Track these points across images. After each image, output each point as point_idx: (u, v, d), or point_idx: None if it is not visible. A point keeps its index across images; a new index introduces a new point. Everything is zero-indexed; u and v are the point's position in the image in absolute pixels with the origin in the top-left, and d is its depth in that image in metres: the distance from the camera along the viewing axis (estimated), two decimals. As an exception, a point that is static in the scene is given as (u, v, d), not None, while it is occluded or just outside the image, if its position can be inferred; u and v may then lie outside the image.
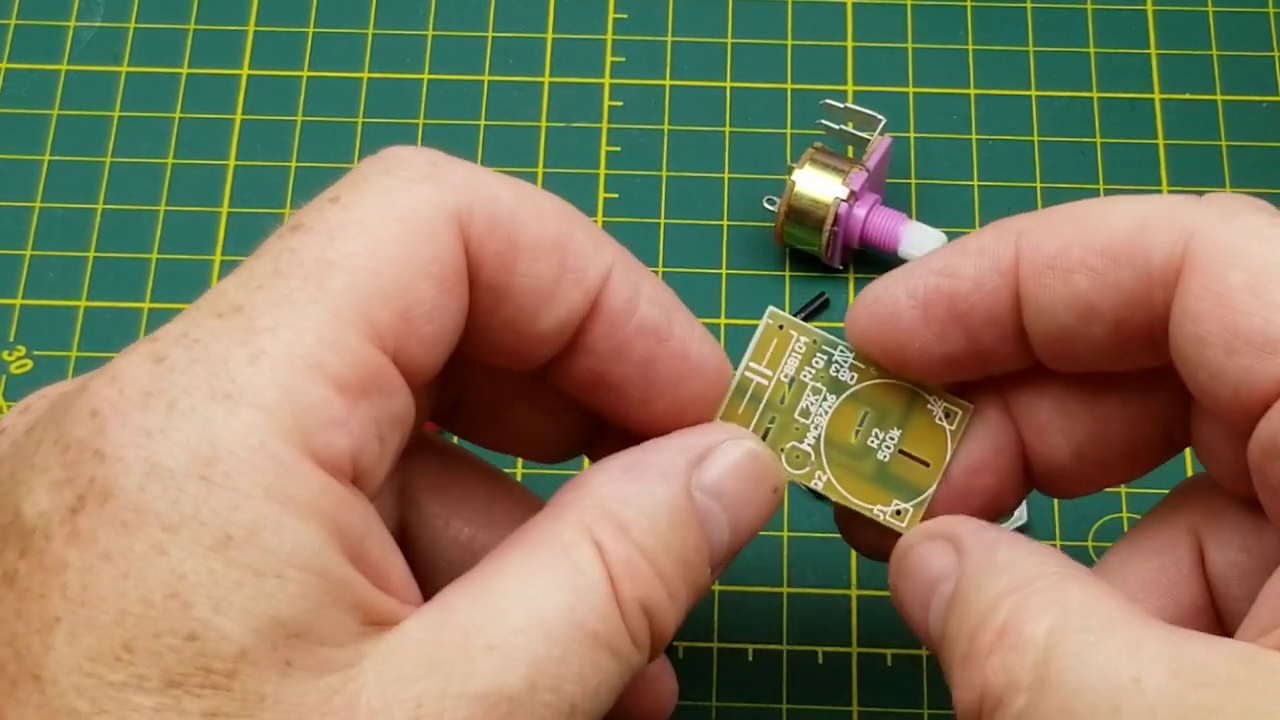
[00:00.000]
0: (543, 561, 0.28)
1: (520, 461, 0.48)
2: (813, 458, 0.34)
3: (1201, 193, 0.31)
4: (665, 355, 0.32)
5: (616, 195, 0.52)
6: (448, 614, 0.27)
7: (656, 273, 0.50)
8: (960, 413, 0.34)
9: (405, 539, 0.34)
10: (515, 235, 0.30)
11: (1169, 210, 0.30)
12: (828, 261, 0.49)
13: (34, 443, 0.27)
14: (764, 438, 0.34)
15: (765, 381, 0.34)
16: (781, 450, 0.34)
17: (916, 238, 0.49)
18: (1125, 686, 0.27)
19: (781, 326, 0.35)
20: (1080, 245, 0.31)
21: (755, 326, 0.49)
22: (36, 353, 0.50)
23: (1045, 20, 0.55)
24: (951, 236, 0.49)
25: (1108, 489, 0.36)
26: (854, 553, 0.46)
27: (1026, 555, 0.31)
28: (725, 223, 0.51)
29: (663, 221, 0.52)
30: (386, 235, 0.28)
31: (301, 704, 0.25)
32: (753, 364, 0.35)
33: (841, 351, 0.34)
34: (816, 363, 0.34)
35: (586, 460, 0.37)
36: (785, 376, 0.34)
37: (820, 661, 0.45)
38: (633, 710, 0.33)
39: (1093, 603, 0.29)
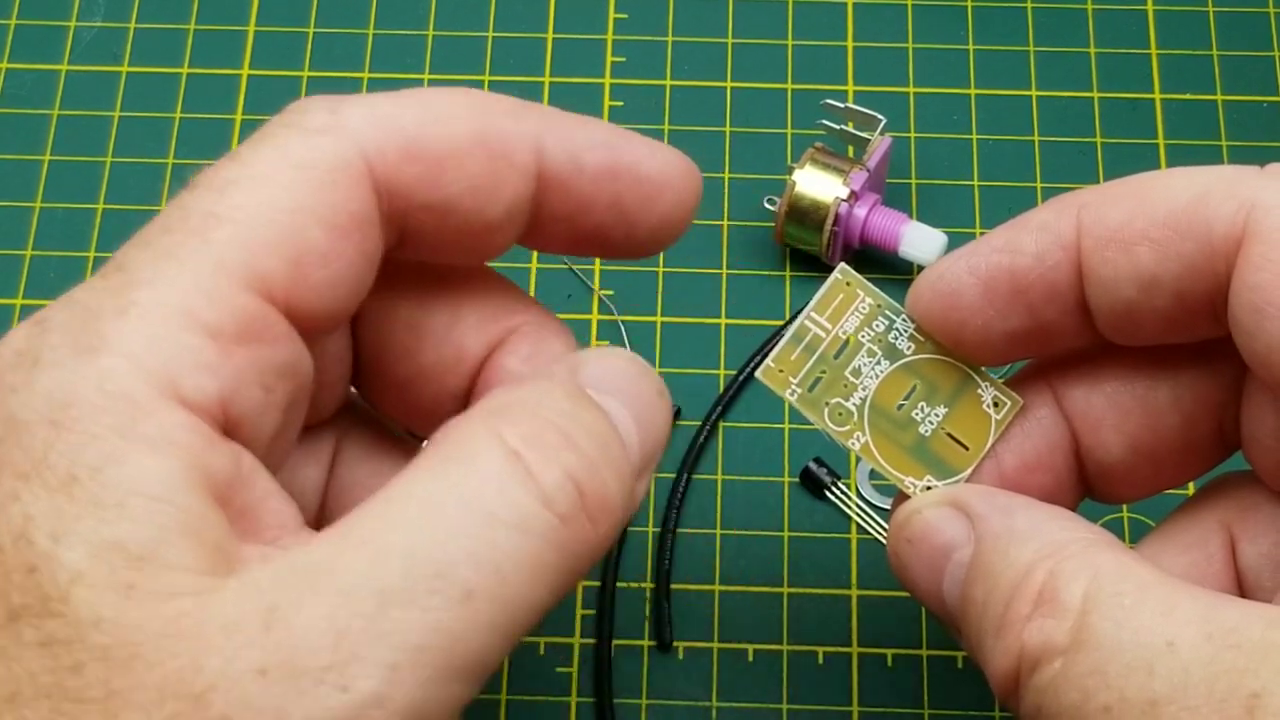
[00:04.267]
0: (433, 461, 0.27)
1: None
2: (855, 417, 0.34)
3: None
4: (627, 189, 0.31)
5: (617, 195, 0.52)
6: (326, 531, 0.27)
7: (656, 272, 0.50)
8: (1009, 403, 0.34)
9: (325, 512, 0.34)
10: (432, 150, 0.30)
11: (1230, 180, 0.30)
12: (828, 261, 0.49)
13: None
14: (810, 389, 0.34)
15: (822, 334, 0.34)
16: (825, 404, 0.34)
17: (917, 238, 0.49)
18: (1159, 648, 0.27)
19: (849, 284, 0.34)
20: (1142, 217, 0.31)
21: (756, 327, 0.50)
22: (37, 353, 0.50)
23: (1045, 20, 0.55)
24: (952, 236, 0.49)
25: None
26: (854, 553, 0.46)
27: (1047, 519, 0.31)
28: (725, 223, 0.51)
29: (663, 221, 0.52)
30: (278, 184, 0.28)
31: (143, 626, 0.25)
32: (814, 315, 0.34)
33: (904, 320, 0.34)
34: (877, 326, 0.34)
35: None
36: (844, 333, 0.34)
37: (820, 661, 0.45)
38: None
39: (1124, 567, 0.29)
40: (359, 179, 0.29)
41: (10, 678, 0.25)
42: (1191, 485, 0.47)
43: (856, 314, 0.34)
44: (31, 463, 0.25)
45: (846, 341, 0.34)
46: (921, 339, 0.34)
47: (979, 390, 0.34)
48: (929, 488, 0.34)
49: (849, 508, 0.47)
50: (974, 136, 0.53)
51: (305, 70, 0.54)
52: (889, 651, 0.45)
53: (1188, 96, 0.53)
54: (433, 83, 0.54)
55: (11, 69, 0.54)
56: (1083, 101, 0.53)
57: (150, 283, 0.27)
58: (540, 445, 0.27)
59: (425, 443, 0.28)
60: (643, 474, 0.30)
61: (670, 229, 0.32)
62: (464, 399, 0.33)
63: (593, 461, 0.28)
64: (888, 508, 0.47)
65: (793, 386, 0.34)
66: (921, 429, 0.34)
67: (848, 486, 0.47)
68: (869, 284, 0.35)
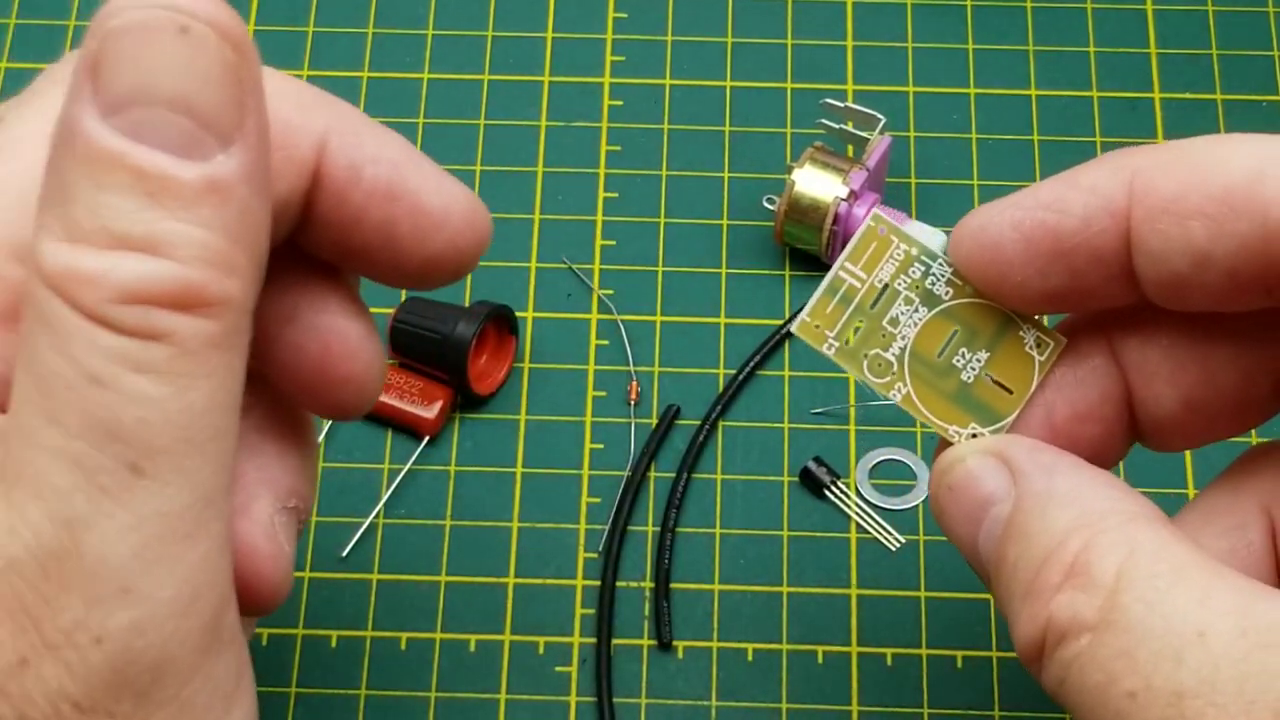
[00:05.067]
0: (23, 368, 0.25)
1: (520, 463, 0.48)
2: (895, 368, 0.33)
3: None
4: (403, 215, 0.30)
5: (616, 195, 0.52)
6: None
7: (656, 272, 0.50)
8: (1052, 344, 0.33)
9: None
10: None
11: None
12: (827, 261, 0.49)
13: None
14: (849, 341, 0.34)
15: (858, 284, 0.34)
16: (865, 356, 0.33)
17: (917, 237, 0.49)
18: (1190, 637, 0.26)
19: (883, 231, 0.34)
20: (1197, 190, 0.30)
21: (756, 327, 0.50)
22: (36, 352, 0.50)
23: (1045, 20, 0.55)
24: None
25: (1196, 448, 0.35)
26: (854, 552, 0.46)
27: (1090, 485, 0.30)
28: (725, 222, 0.51)
29: (663, 221, 0.52)
30: (44, 150, 0.26)
31: None
32: (848, 264, 0.34)
33: (940, 265, 0.34)
34: (913, 273, 0.34)
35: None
36: (879, 282, 0.34)
37: (820, 661, 0.45)
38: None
39: (1163, 546, 0.28)
40: None
41: None
42: (1190, 480, 0.47)
43: (891, 261, 0.34)
44: None
45: (883, 290, 0.34)
46: (959, 283, 0.34)
47: (1021, 333, 0.33)
48: (974, 435, 0.33)
49: (848, 507, 0.47)
50: (973, 136, 0.53)
51: (305, 70, 0.54)
52: (889, 651, 0.45)
53: (1187, 96, 0.53)
54: (432, 83, 0.54)
55: (11, 69, 0.54)
56: (1082, 101, 0.53)
57: None
58: (83, 282, 0.25)
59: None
60: (237, 128, 0.26)
61: (443, 268, 0.31)
62: None
63: (143, 240, 0.25)
64: (887, 507, 0.47)
65: (830, 340, 0.33)
66: (964, 375, 0.33)
67: (847, 486, 0.47)
68: (903, 230, 0.34)
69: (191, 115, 0.25)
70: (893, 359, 0.34)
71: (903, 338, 0.33)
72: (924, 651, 0.45)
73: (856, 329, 0.33)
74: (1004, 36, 0.55)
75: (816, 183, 0.49)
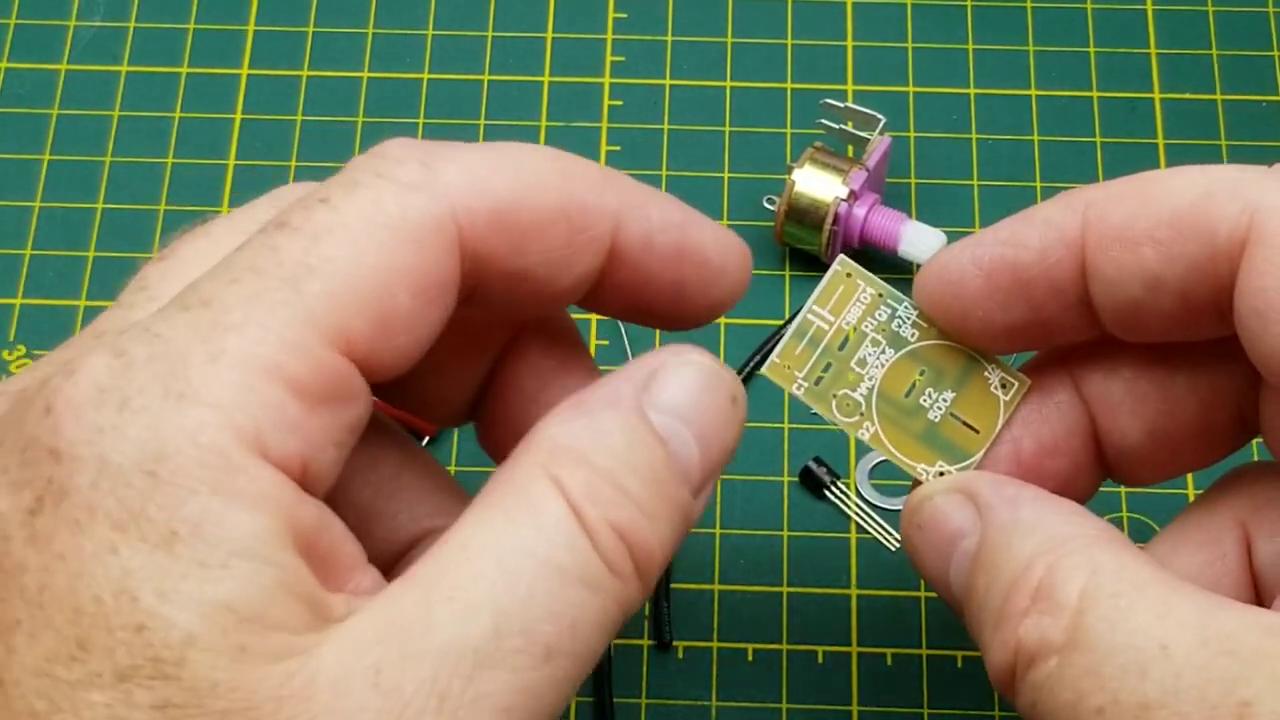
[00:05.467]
0: (500, 508, 0.27)
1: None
2: (863, 408, 0.34)
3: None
4: (690, 272, 0.32)
5: (616, 195, 0.52)
6: (408, 580, 0.27)
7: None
8: (1016, 384, 0.34)
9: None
10: (520, 220, 0.29)
11: (1235, 181, 0.30)
12: (827, 261, 0.49)
13: None
14: (817, 383, 0.34)
15: (826, 327, 0.34)
16: (833, 396, 0.34)
17: (916, 237, 0.49)
18: (1154, 651, 0.27)
19: (849, 275, 0.35)
20: (1147, 216, 0.31)
21: (756, 327, 0.50)
22: (36, 352, 0.50)
23: (1045, 20, 0.55)
24: (951, 236, 0.49)
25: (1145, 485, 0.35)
26: (854, 552, 0.46)
27: (1053, 512, 0.31)
28: (725, 222, 0.51)
29: (663, 221, 0.52)
30: (371, 242, 0.28)
31: (257, 689, 0.25)
32: (816, 308, 0.34)
33: (906, 307, 0.34)
34: (879, 315, 0.34)
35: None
36: (847, 324, 0.34)
37: (820, 661, 0.45)
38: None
39: (1124, 566, 0.29)
40: (449, 244, 0.29)
41: None
42: (1190, 481, 0.47)
43: (858, 304, 0.34)
44: (128, 514, 0.25)
45: (850, 332, 0.34)
46: (925, 325, 0.34)
47: (985, 373, 0.34)
48: (942, 473, 0.34)
49: (848, 507, 0.47)
50: (973, 136, 0.53)
51: (305, 70, 0.54)
52: (889, 651, 0.45)
53: (1187, 96, 0.53)
54: (432, 83, 0.54)
55: (11, 69, 0.54)
56: (1082, 101, 0.53)
57: (240, 328, 0.26)
58: (595, 499, 0.27)
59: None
60: (702, 490, 0.30)
61: (719, 310, 0.33)
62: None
63: (646, 513, 0.28)
64: (887, 507, 0.47)
65: (799, 381, 0.34)
66: (930, 415, 0.34)
67: (847, 486, 0.47)
68: (869, 274, 0.35)
69: (703, 453, 0.30)
70: (860, 399, 0.34)
71: (870, 378, 0.34)
72: (924, 651, 0.45)
73: (825, 370, 0.34)
74: (1004, 36, 0.55)
75: (816, 183, 0.49)
